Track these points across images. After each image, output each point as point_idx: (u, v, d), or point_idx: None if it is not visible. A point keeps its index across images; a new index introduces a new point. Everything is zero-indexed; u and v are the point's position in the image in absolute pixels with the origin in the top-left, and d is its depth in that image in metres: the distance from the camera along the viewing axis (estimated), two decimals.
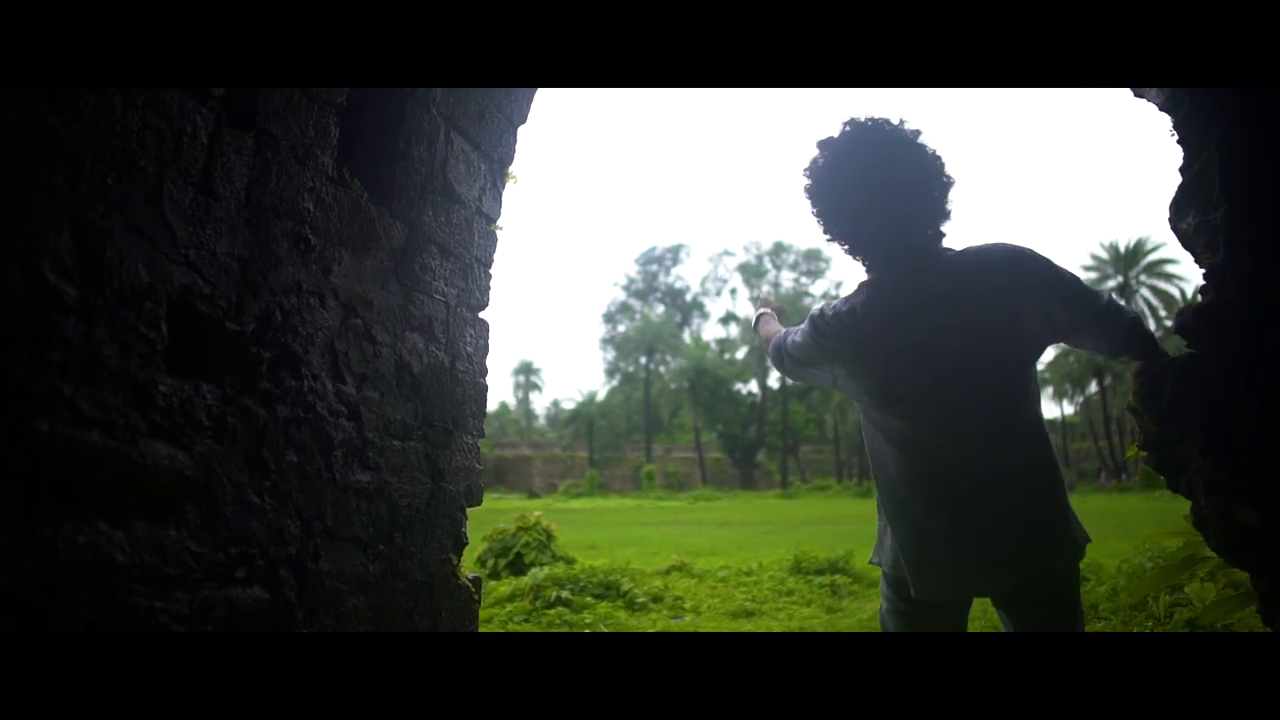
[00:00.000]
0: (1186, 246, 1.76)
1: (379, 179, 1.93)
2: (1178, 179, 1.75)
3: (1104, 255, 45.14)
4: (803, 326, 2.01)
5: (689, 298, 65.54)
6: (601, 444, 53.14)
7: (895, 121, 1.82)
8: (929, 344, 1.78)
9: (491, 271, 2.38)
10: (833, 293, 58.99)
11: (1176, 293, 40.84)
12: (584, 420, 53.49)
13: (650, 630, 5.42)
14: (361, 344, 1.83)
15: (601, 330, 64.11)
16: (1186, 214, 1.70)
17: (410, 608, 1.95)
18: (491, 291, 2.38)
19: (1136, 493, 27.54)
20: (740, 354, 58.69)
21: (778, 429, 53.15)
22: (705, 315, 65.43)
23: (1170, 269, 42.70)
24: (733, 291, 65.16)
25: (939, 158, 1.82)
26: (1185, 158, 1.72)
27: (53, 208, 1.18)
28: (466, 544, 2.21)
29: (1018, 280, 1.74)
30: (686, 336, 60.95)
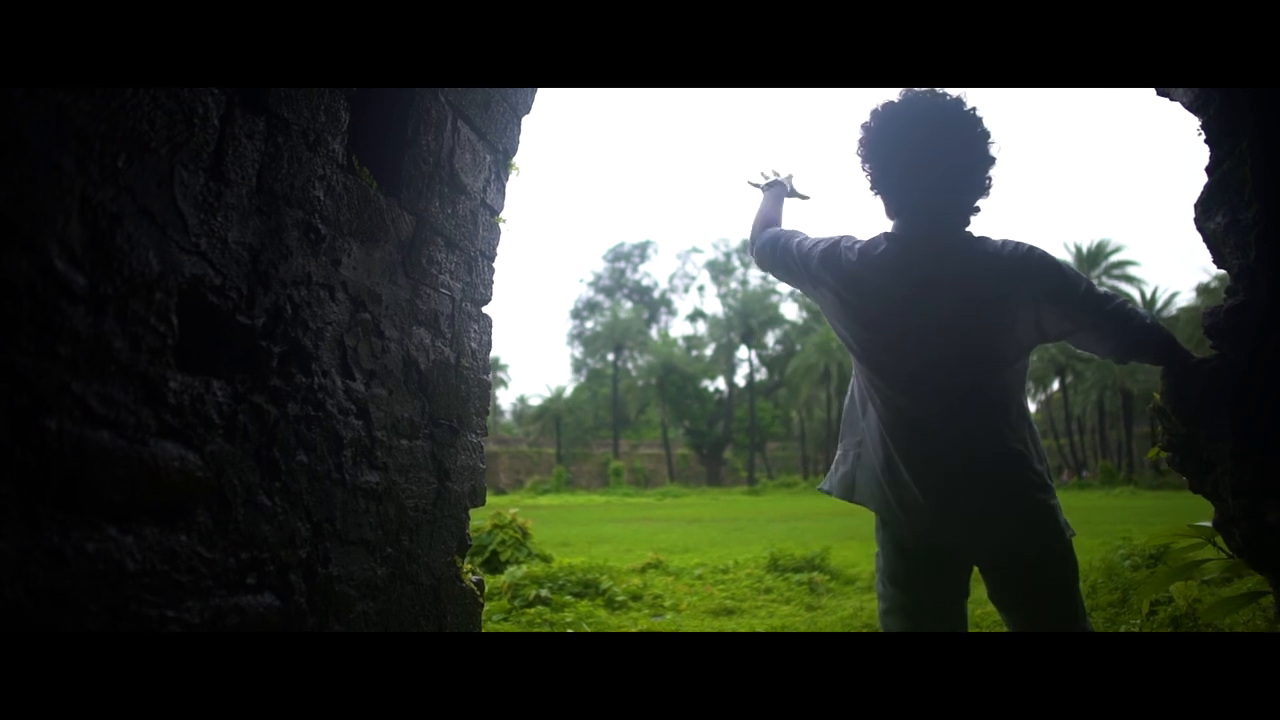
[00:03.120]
0: (1212, 246, 1.74)
1: (386, 168, 1.86)
2: (1203, 178, 1.74)
3: (1067, 257, 45.89)
4: (818, 246, 2.04)
5: (657, 294, 65.61)
6: (568, 440, 52.92)
7: (955, 95, 1.88)
8: (925, 317, 1.84)
9: (495, 265, 2.31)
10: (799, 291, 59.25)
11: (1136, 294, 41.62)
12: (551, 416, 53.24)
13: (632, 628, 5.38)
14: (370, 339, 1.75)
15: (569, 326, 63.83)
16: (1215, 214, 1.68)
17: (417, 612, 1.88)
18: (494, 286, 2.31)
19: (1097, 489, 28.09)
20: (708, 351, 58.86)
21: (744, 425, 53.36)
22: (673, 312, 65.57)
23: (1131, 270, 43.51)
24: (700, 289, 65.48)
25: (989, 136, 1.87)
26: (1213, 157, 1.70)
27: (61, 189, 1.10)
28: (470, 545, 2.15)
29: (1022, 275, 1.80)
30: (654, 333, 60.96)
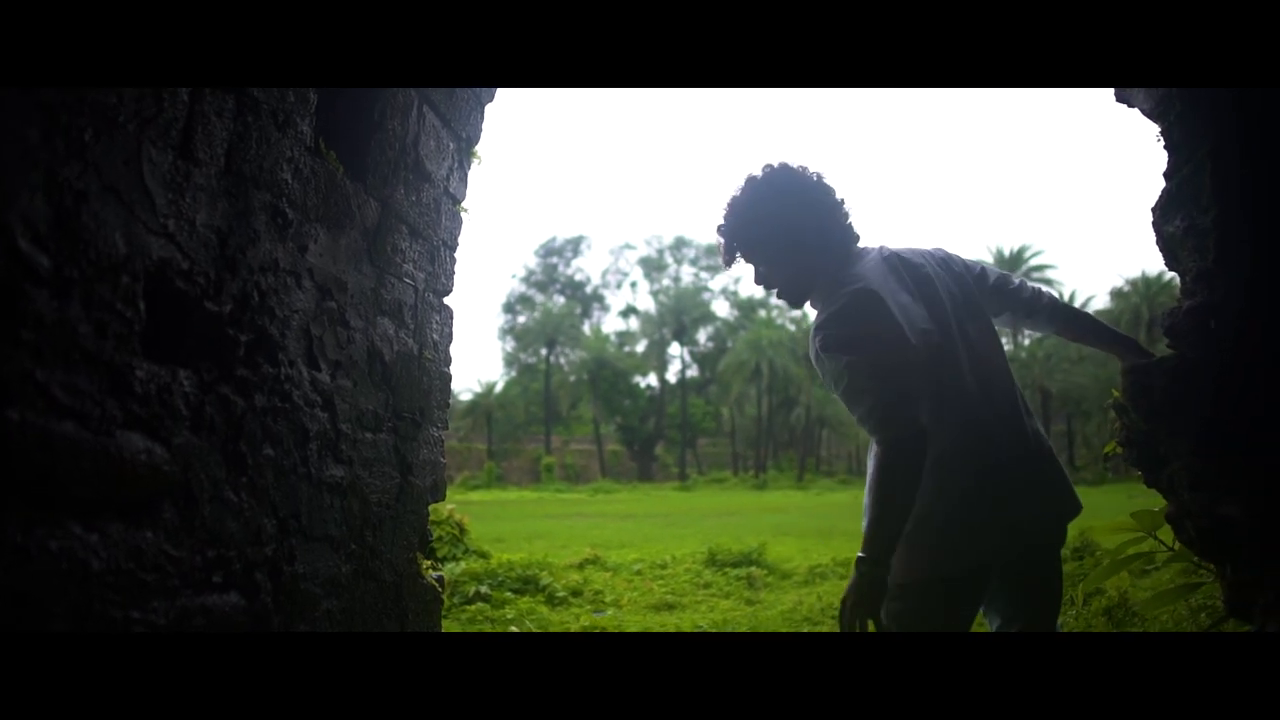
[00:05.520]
0: (1167, 249, 1.80)
1: (352, 152, 1.80)
2: (1161, 183, 1.80)
3: (990, 259, 47.31)
4: (853, 385, 1.77)
5: (590, 290, 65.42)
6: (499, 435, 52.41)
7: (796, 165, 2.00)
8: (923, 306, 1.89)
9: (456, 255, 2.26)
10: (731, 288, 59.96)
11: (1055, 294, 43.20)
12: (482, 412, 52.63)
13: (574, 624, 5.35)
14: (336, 329, 1.69)
15: (501, 321, 63.24)
16: (1173, 217, 1.74)
17: (379, 610, 1.83)
18: (455, 276, 2.26)
19: None
20: (640, 347, 58.98)
21: (676, 422, 53.62)
22: (606, 308, 65.40)
23: (1050, 274, 45.11)
24: (633, 285, 65.44)
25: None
26: (1172, 162, 1.76)
27: (25, 164, 1.03)
28: (431, 541, 2.10)
29: (953, 260, 2.06)
30: (587, 329, 60.77)
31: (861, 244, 2.01)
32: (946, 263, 2.04)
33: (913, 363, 1.77)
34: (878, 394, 1.73)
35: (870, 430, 1.78)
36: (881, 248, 2.01)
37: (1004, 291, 2.09)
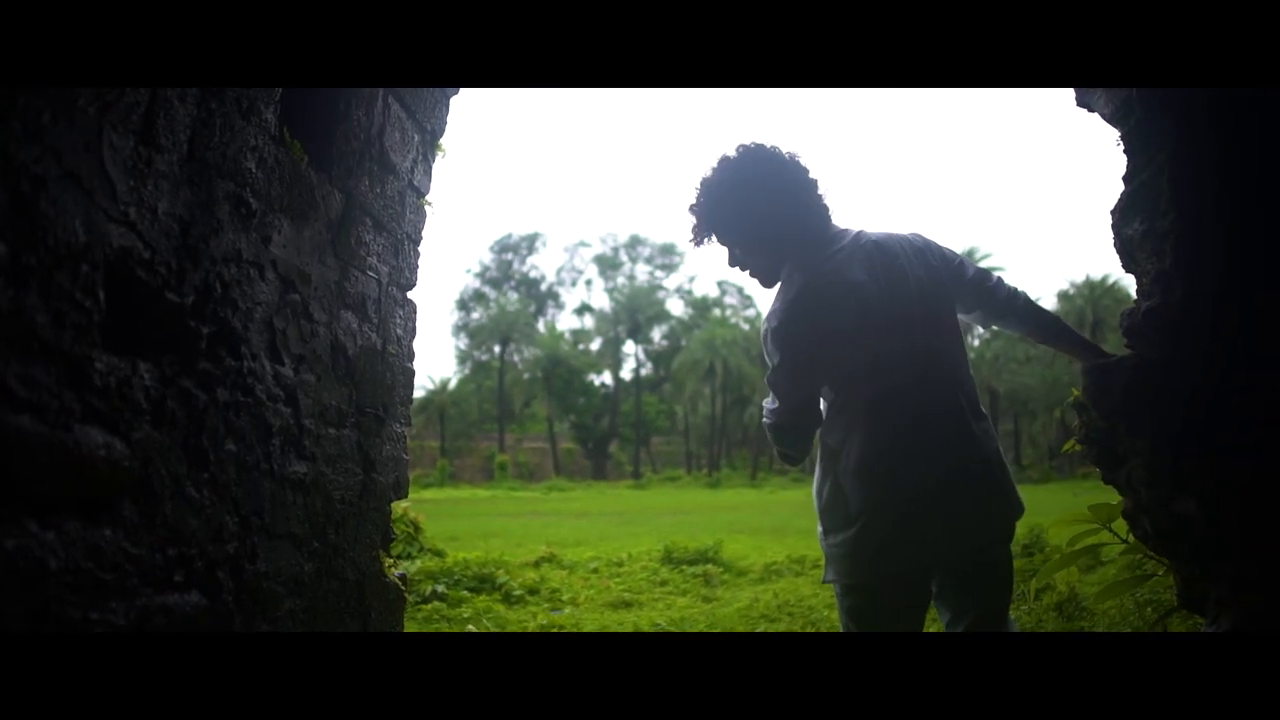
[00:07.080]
0: (1125, 251, 1.84)
1: (317, 142, 1.76)
2: (1121, 186, 1.84)
3: None
4: (772, 379, 1.92)
5: (544, 287, 65.17)
6: (452, 433, 51.85)
7: (770, 145, 1.96)
8: (896, 307, 1.89)
9: (420, 249, 2.23)
10: (686, 287, 60.28)
11: (1029, 296, 44.23)
12: (435, 409, 52.04)
13: (531, 622, 5.32)
14: (299, 322, 1.66)
15: (454, 318, 62.54)
16: (1132, 220, 1.78)
17: (342, 609, 1.80)
18: (420, 270, 2.23)
19: None
20: (595, 345, 58.91)
21: (630, 420, 53.64)
22: (560, 305, 65.21)
23: (998, 275, 45.97)
24: (588, 283, 65.35)
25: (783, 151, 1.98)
26: (1131, 167, 1.80)
27: None
28: (394, 539, 2.07)
29: (930, 251, 2.02)
30: (541, 326, 60.47)
31: (841, 226, 1.99)
32: (924, 253, 2.00)
33: (851, 374, 1.88)
34: (784, 402, 1.89)
35: (766, 427, 1.95)
36: (860, 232, 1.97)
37: (981, 289, 2.07)
